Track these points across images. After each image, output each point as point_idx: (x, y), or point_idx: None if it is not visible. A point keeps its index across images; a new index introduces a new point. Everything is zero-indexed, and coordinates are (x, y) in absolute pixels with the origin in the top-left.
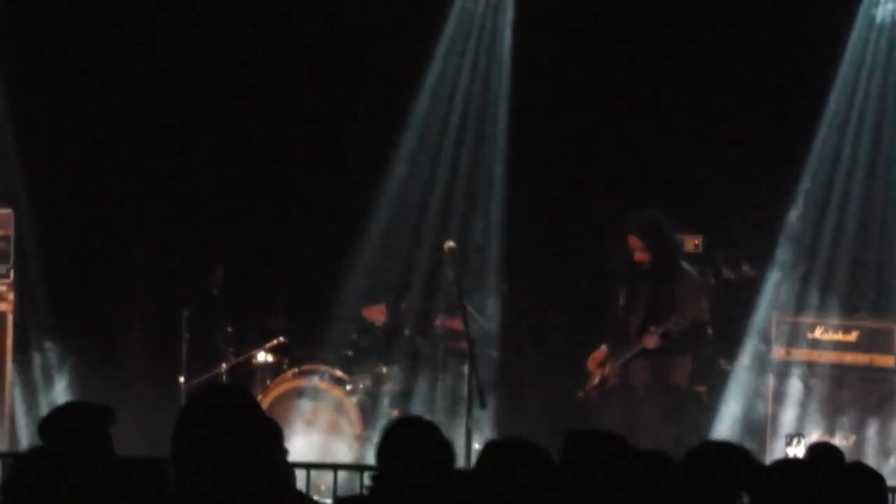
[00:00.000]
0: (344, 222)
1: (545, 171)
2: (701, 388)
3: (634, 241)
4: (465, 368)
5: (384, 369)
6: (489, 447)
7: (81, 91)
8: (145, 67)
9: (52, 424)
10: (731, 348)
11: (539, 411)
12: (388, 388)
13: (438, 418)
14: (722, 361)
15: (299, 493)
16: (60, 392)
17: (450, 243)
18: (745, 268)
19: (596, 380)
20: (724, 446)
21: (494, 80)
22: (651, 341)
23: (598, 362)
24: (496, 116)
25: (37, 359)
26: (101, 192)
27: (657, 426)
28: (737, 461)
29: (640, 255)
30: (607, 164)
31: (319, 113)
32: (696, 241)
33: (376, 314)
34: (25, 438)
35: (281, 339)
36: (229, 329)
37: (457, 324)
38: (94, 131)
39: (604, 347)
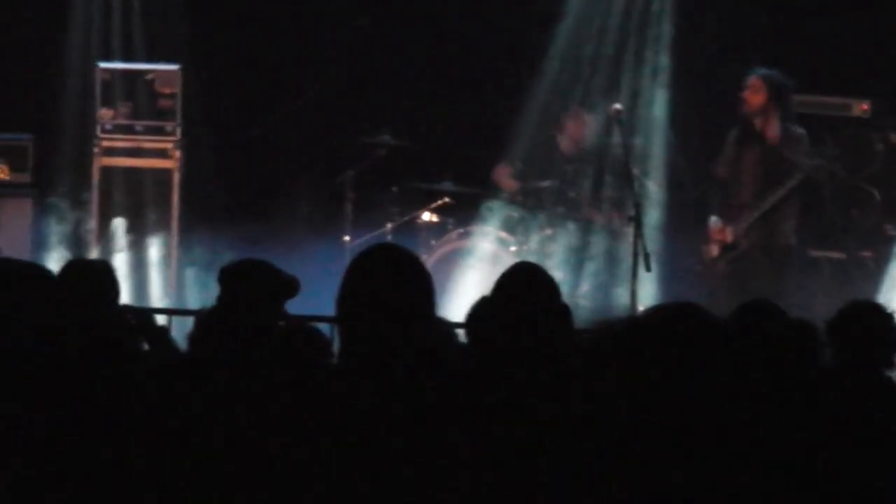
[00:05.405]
0: (510, 86)
1: (712, 32)
2: (867, 254)
3: (754, 81)
4: (631, 231)
5: (549, 231)
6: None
7: None
8: None
9: (235, 275)
10: None
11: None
12: (553, 249)
13: (603, 280)
14: (888, 227)
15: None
16: (225, 247)
17: (617, 106)
18: None
19: (716, 251)
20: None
21: None
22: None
23: (717, 231)
24: None
25: (202, 214)
26: (270, 50)
27: (774, 287)
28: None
29: (753, 97)
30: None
31: None
32: (864, 107)
33: (502, 177)
34: (191, 292)
35: (446, 199)
36: (394, 189)
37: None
38: None
39: (714, 219)
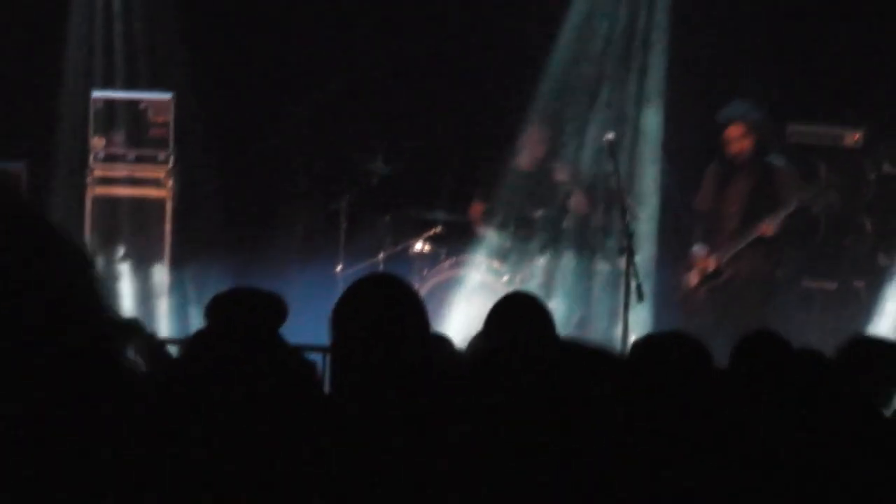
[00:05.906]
0: (504, 113)
1: (704, 61)
2: (860, 284)
3: (737, 129)
4: (623, 261)
5: (541, 260)
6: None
7: None
8: None
9: (224, 302)
10: (891, 243)
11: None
12: (546, 278)
13: (596, 309)
14: (881, 256)
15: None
16: (217, 275)
17: (610, 136)
18: None
19: (696, 279)
20: (877, 342)
21: None
22: (768, 230)
23: (701, 259)
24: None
25: (195, 244)
26: (263, 78)
27: (759, 318)
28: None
29: (740, 145)
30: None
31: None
32: (856, 136)
33: (477, 216)
34: (181, 319)
35: (438, 228)
36: (387, 218)
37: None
38: (258, 16)
39: (697, 246)
